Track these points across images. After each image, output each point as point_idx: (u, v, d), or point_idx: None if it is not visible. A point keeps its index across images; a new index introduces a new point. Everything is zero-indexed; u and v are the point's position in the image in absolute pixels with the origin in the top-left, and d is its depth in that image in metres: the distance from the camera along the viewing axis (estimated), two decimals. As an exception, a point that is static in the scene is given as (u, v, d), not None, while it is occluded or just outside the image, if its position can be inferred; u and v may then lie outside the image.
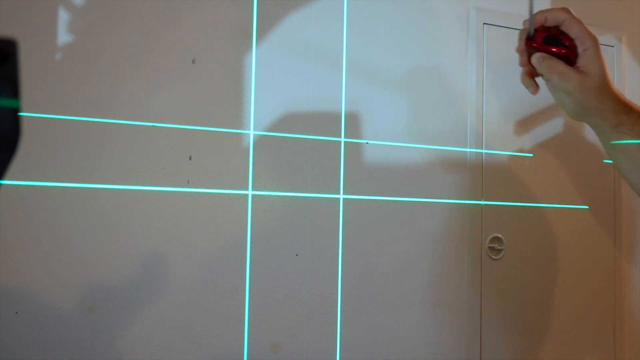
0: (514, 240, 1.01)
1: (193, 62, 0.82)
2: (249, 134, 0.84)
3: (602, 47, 1.09)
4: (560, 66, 0.63)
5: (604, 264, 1.09)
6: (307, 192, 0.87)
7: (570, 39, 0.64)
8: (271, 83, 0.86)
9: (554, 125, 1.06)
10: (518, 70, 1.03)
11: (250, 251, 0.83)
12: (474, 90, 0.99)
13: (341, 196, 0.89)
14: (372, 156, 0.92)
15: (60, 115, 0.75)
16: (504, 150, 1.01)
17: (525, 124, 1.03)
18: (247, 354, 0.82)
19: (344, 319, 0.88)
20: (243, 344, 0.82)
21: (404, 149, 0.94)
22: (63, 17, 0.76)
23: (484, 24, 1.00)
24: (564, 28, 0.64)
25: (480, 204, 0.98)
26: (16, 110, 0.37)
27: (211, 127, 0.82)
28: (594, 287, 1.08)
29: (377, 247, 0.92)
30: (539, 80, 0.66)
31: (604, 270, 1.09)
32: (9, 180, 0.71)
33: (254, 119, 0.85)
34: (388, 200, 0.92)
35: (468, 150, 0.98)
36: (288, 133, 0.87)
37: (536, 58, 0.64)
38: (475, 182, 0.98)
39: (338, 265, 0.88)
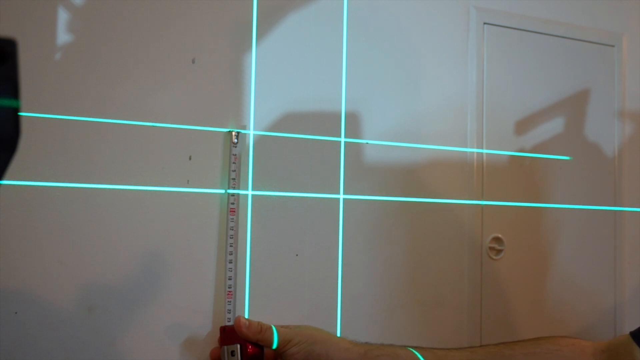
0: (514, 240, 1.01)
1: (193, 62, 0.82)
2: (248, 134, 0.84)
3: (602, 47, 1.10)
4: None
5: (604, 264, 1.09)
6: (307, 192, 0.87)
7: None
8: (271, 83, 0.86)
9: (554, 125, 1.06)
10: (518, 70, 1.04)
11: (250, 251, 0.83)
12: (474, 90, 0.99)
13: (341, 196, 0.89)
14: (372, 156, 0.92)
15: (60, 115, 0.75)
16: (504, 150, 1.01)
17: (525, 124, 1.03)
18: (247, 354, 0.82)
19: (344, 319, 0.88)
20: (243, 344, 0.82)
21: (404, 149, 0.94)
22: (63, 17, 0.76)
23: (484, 23, 1.00)
24: None
25: (480, 204, 0.98)
26: (16, 110, 0.37)
27: (211, 127, 0.82)
28: (595, 288, 1.08)
29: (377, 247, 0.91)
30: None
31: (605, 271, 1.09)
32: (9, 180, 0.71)
33: (254, 119, 0.85)
34: (388, 200, 0.92)
35: (468, 150, 0.98)
36: (288, 133, 0.87)
37: None
38: (475, 182, 0.98)
39: (338, 265, 0.88)
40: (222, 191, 0.82)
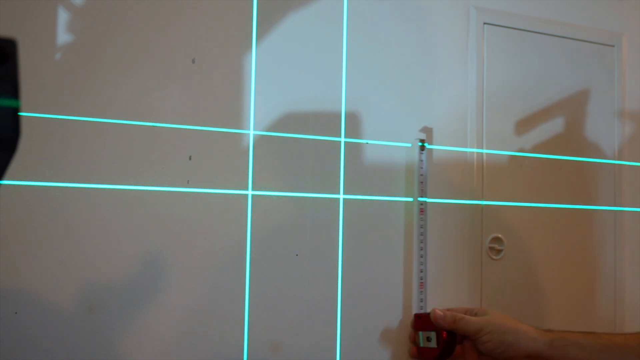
0: (514, 240, 1.01)
1: (193, 62, 0.82)
2: (248, 134, 0.84)
3: (602, 47, 1.10)
4: None
5: (604, 264, 1.09)
6: (307, 192, 0.87)
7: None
8: (271, 83, 0.86)
9: (554, 125, 1.06)
10: (518, 70, 1.04)
11: (250, 251, 0.83)
12: (474, 90, 0.99)
13: (341, 196, 0.89)
14: (372, 156, 0.92)
15: (60, 115, 0.75)
16: (504, 150, 1.01)
17: (525, 124, 1.03)
18: (247, 354, 0.82)
19: (344, 319, 0.88)
20: (243, 344, 0.82)
21: (404, 149, 0.94)
22: (63, 17, 0.76)
23: (484, 23, 1.00)
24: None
25: (480, 204, 0.98)
26: (16, 110, 0.37)
27: (211, 127, 0.82)
28: (595, 288, 1.08)
29: (377, 247, 0.91)
30: None
31: (605, 271, 1.09)
32: (9, 180, 0.71)
33: (254, 119, 0.85)
34: (388, 200, 0.92)
35: (468, 150, 0.98)
36: (288, 133, 0.87)
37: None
38: (475, 182, 0.98)
39: (338, 265, 0.88)
40: (218, 191, 0.82)
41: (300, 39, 0.88)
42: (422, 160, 0.92)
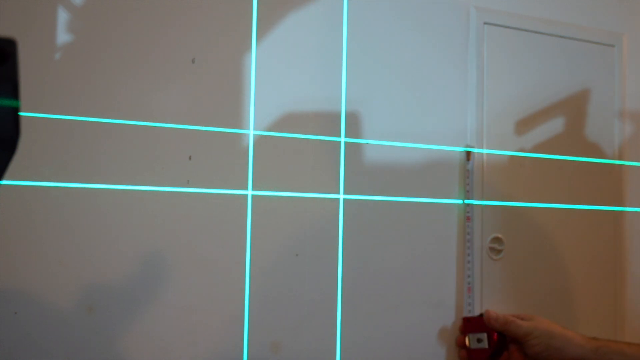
0: (514, 240, 1.01)
1: (193, 62, 0.82)
2: (248, 134, 0.84)
3: (602, 47, 1.10)
4: None
5: (604, 264, 1.09)
6: (307, 192, 0.87)
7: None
8: (271, 83, 0.86)
9: (554, 125, 1.06)
10: (518, 70, 1.04)
11: (250, 251, 0.83)
12: (474, 90, 0.99)
13: (341, 196, 0.89)
14: (372, 156, 0.92)
15: (60, 115, 0.75)
16: (504, 150, 1.01)
17: (525, 124, 1.03)
18: (247, 354, 0.82)
19: (344, 319, 0.88)
20: (243, 344, 0.82)
21: (404, 149, 0.94)
22: (63, 17, 0.76)
23: (484, 23, 1.00)
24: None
25: (481, 204, 0.98)
26: (16, 110, 0.37)
27: (211, 127, 0.82)
28: (595, 288, 1.08)
29: (377, 247, 0.91)
30: None
31: (605, 271, 1.09)
32: (9, 180, 0.71)
33: (254, 119, 0.85)
34: (388, 201, 0.92)
35: (468, 150, 0.98)
36: (288, 133, 0.87)
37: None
38: (475, 182, 0.98)
39: (338, 265, 0.88)
40: (217, 191, 0.82)
41: (300, 39, 0.88)
42: (468, 170, 0.96)
